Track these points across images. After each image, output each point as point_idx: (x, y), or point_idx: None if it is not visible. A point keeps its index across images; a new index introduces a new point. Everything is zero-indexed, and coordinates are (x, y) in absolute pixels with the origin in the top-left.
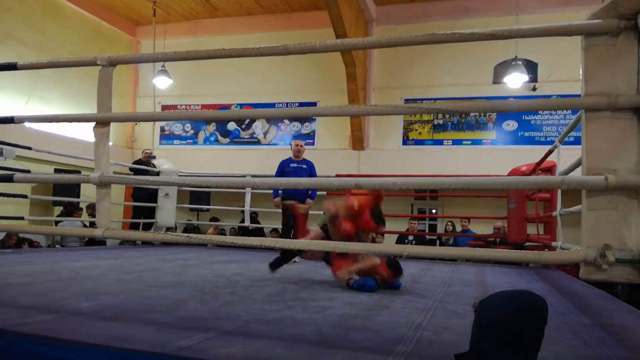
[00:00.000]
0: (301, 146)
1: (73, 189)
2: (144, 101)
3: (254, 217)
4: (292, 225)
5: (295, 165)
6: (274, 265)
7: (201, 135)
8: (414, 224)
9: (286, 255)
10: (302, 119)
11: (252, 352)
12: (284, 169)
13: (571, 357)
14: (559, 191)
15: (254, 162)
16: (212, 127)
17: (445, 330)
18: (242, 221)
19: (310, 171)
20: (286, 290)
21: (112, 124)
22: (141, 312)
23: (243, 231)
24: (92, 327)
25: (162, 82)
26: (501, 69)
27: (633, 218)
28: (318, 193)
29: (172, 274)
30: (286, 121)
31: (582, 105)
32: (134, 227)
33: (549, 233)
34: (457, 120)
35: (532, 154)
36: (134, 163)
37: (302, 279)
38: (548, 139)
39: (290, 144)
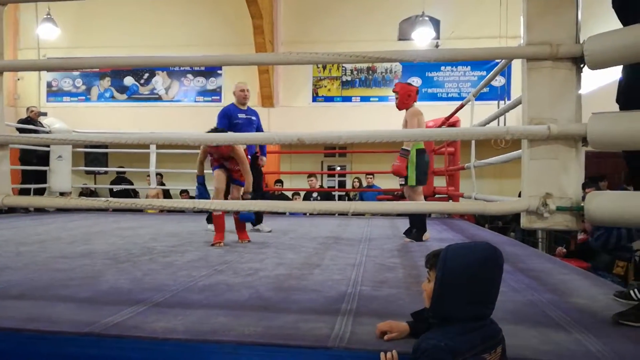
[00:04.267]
0: (248, 91)
1: None
2: (26, 54)
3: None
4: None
5: (244, 116)
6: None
7: (94, 92)
8: (311, 181)
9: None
10: (208, 75)
11: (194, 324)
12: (231, 121)
13: (507, 304)
14: (473, 144)
15: (156, 120)
16: (106, 83)
17: (382, 285)
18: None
19: (258, 123)
20: (209, 254)
21: None
22: (53, 287)
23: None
24: (0, 309)
25: (48, 32)
26: (406, 25)
27: (572, 166)
28: None
29: (78, 243)
30: (190, 76)
31: (524, 55)
32: (24, 193)
33: (452, 185)
34: (364, 77)
35: (435, 109)
36: (19, 122)
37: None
38: (449, 95)
39: (234, 89)
